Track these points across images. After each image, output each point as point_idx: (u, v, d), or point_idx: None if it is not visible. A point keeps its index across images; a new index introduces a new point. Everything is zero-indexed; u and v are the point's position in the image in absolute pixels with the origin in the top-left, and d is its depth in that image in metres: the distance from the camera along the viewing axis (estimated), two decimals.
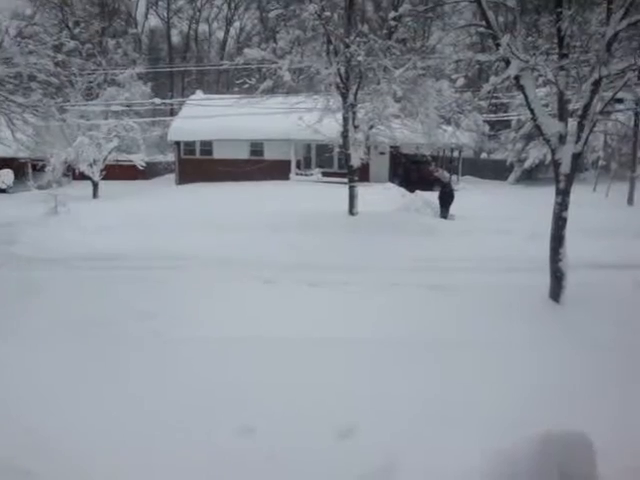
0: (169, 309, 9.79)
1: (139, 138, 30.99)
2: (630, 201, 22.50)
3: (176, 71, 52.51)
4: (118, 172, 33.61)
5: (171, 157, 37.81)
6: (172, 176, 35.20)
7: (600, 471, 4.27)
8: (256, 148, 32.01)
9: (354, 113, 18.27)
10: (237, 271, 12.74)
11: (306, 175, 30.68)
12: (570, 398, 6.33)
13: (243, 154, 32.10)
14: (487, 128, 33.55)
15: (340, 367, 7.23)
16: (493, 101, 29.05)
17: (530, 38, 11.38)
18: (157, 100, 34.34)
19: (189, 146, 33.02)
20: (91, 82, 29.74)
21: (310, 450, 5.09)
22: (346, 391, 6.42)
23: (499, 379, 6.86)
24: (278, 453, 5.04)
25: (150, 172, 37.57)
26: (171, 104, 44.31)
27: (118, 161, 30.87)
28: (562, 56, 10.30)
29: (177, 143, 33.13)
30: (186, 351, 7.72)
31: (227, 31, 61.38)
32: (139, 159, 30.99)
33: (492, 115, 33.38)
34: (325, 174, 30.19)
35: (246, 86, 18.48)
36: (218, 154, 32.40)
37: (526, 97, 10.62)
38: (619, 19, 9.52)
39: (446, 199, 21.21)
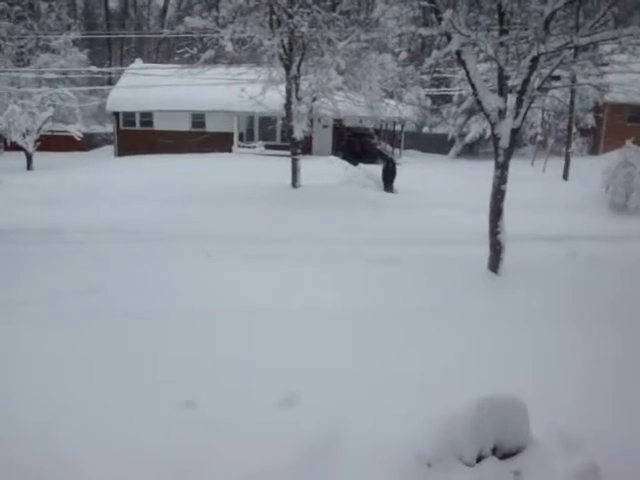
0: (112, 283, 9.63)
1: (76, 108, 29.99)
2: (565, 176, 23.20)
3: (114, 38, 50.81)
4: (53, 143, 32.46)
5: (110, 128, 36.77)
6: (111, 148, 34.28)
7: (533, 430, 4.47)
8: (198, 120, 31.46)
9: (297, 85, 18.15)
10: (178, 244, 12.59)
11: (249, 147, 30.41)
12: (506, 363, 6.57)
13: (184, 126, 31.51)
14: (429, 102, 33.94)
15: (281, 337, 7.31)
16: (435, 75, 29.34)
17: (472, 14, 11.50)
18: (94, 68, 33.29)
19: (129, 117, 32.15)
20: (22, 47, 28.47)
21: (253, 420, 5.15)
22: (290, 360, 6.49)
23: (438, 348, 7.06)
24: (221, 425, 5.07)
25: (88, 143, 36.46)
26: (109, 73, 43.01)
27: (53, 132, 29.73)
28: (502, 32, 10.46)
29: (116, 114, 32.19)
30: (130, 325, 7.63)
31: None
32: (76, 130, 29.95)
33: (434, 89, 33.72)
34: (268, 147, 30.00)
35: (187, 56, 18.12)
36: (159, 125, 31.71)
37: (467, 72, 10.77)
38: None
39: (389, 173, 21.40)
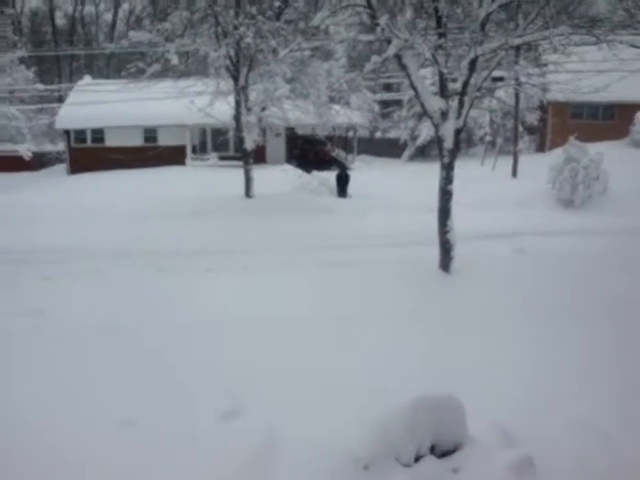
0: (57, 305, 9.45)
1: (23, 127, 29.44)
2: (514, 174, 23.61)
3: (63, 55, 49.98)
4: (1, 164, 31.74)
5: (62, 146, 36.14)
6: (63, 166, 33.66)
7: (470, 427, 4.54)
8: (150, 134, 31.11)
9: (246, 95, 18.15)
10: (130, 261, 12.43)
11: (202, 160, 30.22)
12: (450, 362, 6.65)
13: (137, 141, 31.14)
14: (377, 107, 34.17)
15: (233, 346, 7.29)
16: (386, 81, 29.63)
17: (410, 17, 11.62)
18: (40, 86, 32.70)
19: (80, 134, 31.62)
20: None
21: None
22: (229, 370, 6.47)
23: (386, 350, 7.09)
24: (161, 442, 5.01)
25: (39, 163, 35.66)
26: (59, 90, 42.26)
27: (0, 152, 29.15)
28: (440, 35, 10.65)
29: (66, 131, 31.62)
30: (73, 344, 7.51)
31: (115, 13, 58.96)
32: (25, 149, 29.39)
33: (384, 94, 34.04)
34: (222, 158, 29.82)
35: (133, 70, 17.95)
36: (110, 141, 31.26)
37: (409, 76, 10.93)
38: (491, 1, 9.96)
39: (342, 179, 21.50)
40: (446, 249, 11.34)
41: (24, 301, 9.60)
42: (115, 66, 53.45)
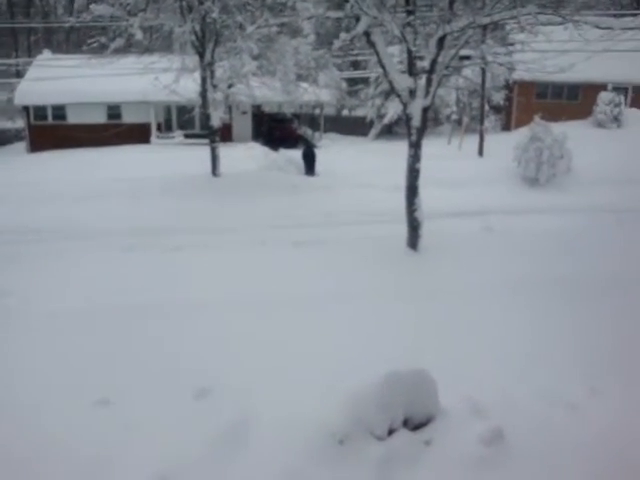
0: (25, 285, 9.30)
1: None
2: (480, 152, 23.81)
3: (20, 28, 48.55)
4: None
5: (21, 123, 35.21)
6: (23, 144, 32.86)
7: (441, 400, 4.63)
8: (113, 111, 30.42)
9: (212, 72, 17.88)
10: (95, 241, 12.24)
11: (168, 138, 29.78)
12: (420, 338, 6.75)
13: (100, 118, 30.45)
14: (344, 84, 34.05)
15: (202, 325, 7.26)
16: (353, 58, 29.52)
17: None
18: None
19: (40, 111, 30.76)
20: None
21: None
22: (203, 350, 6.46)
23: (355, 328, 7.14)
24: (136, 420, 5.00)
25: None
26: (17, 65, 41.13)
27: None
28: (409, 13, 10.63)
29: (26, 108, 30.75)
30: (39, 325, 7.41)
31: None
32: None
33: (351, 72, 33.93)
34: (187, 136, 29.41)
35: (95, 45, 17.51)
36: (73, 119, 30.50)
37: (377, 53, 10.92)
38: None
39: (309, 157, 21.44)
40: (414, 227, 11.44)
41: None
42: (75, 41, 52.12)
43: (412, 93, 10.96)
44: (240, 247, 11.55)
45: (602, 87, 27.38)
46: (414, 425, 4.54)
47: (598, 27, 11.39)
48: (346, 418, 4.33)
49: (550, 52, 17.72)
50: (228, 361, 6.11)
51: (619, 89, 27.82)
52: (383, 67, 10.96)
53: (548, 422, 4.86)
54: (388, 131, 34.99)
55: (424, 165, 11.45)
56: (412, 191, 11.41)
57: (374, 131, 34.65)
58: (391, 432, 4.41)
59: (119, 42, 16.84)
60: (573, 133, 19.34)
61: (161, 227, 13.38)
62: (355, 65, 35.14)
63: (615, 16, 27.53)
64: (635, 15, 26.12)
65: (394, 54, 14.80)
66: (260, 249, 11.44)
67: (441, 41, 10.46)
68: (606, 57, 21.70)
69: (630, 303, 8.19)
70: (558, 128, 19.13)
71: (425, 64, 11.14)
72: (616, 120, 26.39)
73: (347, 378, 4.88)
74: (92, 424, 4.93)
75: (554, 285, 8.93)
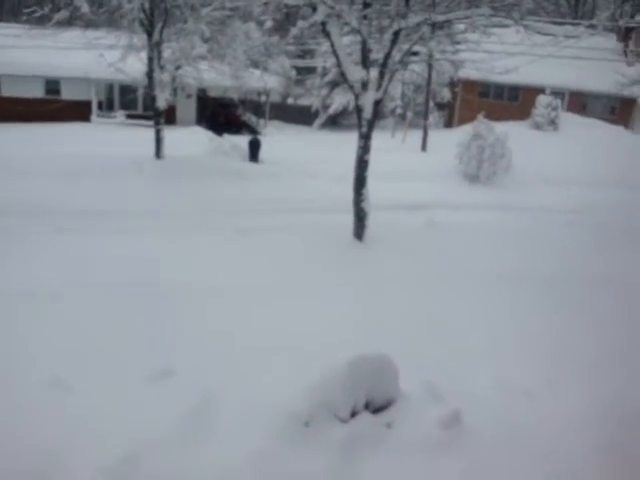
0: None
1: None
2: (423, 147, 24.27)
3: None
4: None
5: None
6: None
7: (401, 384, 4.77)
8: (52, 87, 29.42)
9: (160, 52, 17.51)
10: (29, 220, 11.69)
11: (109, 117, 29.06)
12: (374, 324, 6.89)
13: (37, 92, 29.40)
14: (294, 73, 34.04)
15: (155, 310, 7.17)
16: (300, 47, 29.48)
17: None
18: None
19: None
20: None
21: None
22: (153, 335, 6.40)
23: (304, 317, 7.18)
24: (94, 403, 4.93)
25: None
26: None
27: None
28: (366, 5, 10.74)
29: None
30: None
31: None
32: None
33: (299, 61, 33.87)
34: (129, 116, 28.82)
35: (37, 15, 16.91)
36: (7, 91, 29.32)
37: (332, 43, 10.96)
38: None
39: (255, 144, 21.35)
40: (360, 217, 11.58)
41: None
42: (10, 9, 50.13)
43: (364, 85, 11.06)
44: (183, 232, 11.35)
45: (541, 90, 28.37)
46: (375, 408, 4.67)
47: (541, 33, 11.82)
48: (311, 401, 4.42)
49: (496, 53, 18.26)
50: (187, 347, 6.06)
51: (557, 93, 28.88)
52: (337, 57, 11.01)
53: (504, 408, 5.09)
54: (332, 122, 35.17)
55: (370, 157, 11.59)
56: (360, 182, 11.55)
57: (319, 121, 34.75)
58: (354, 414, 4.52)
59: (63, 14, 16.27)
60: (512, 133, 19.94)
61: (100, 209, 13.02)
62: (302, 54, 35.08)
63: (557, 24, 28.56)
64: (575, 24, 27.05)
65: (346, 45, 14.91)
66: (205, 235, 11.28)
67: (395, 35, 10.61)
68: (546, 62, 22.44)
69: (565, 296, 8.61)
70: (499, 127, 19.70)
71: (378, 57, 11.26)
72: (553, 123, 27.41)
73: (307, 363, 4.96)
74: (48, 406, 4.83)
75: (493, 276, 9.27)
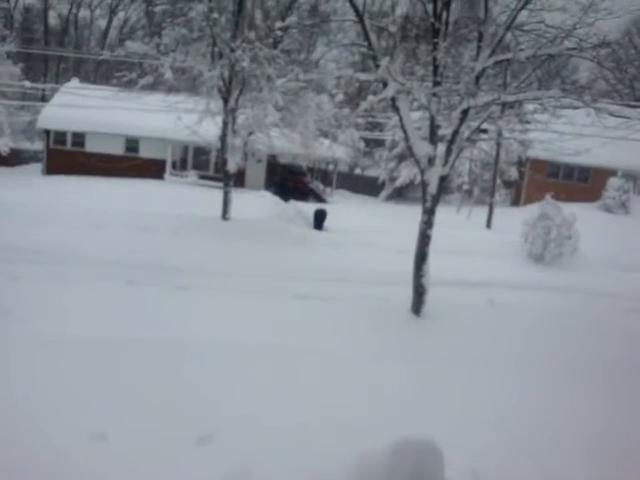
0: (25, 306, 9.29)
1: (4, 122, 29.09)
2: (488, 224, 24.08)
3: (51, 55, 49.68)
4: None
5: (39, 146, 35.74)
6: (39, 166, 33.25)
7: (447, 473, 4.57)
8: (131, 145, 30.96)
9: (234, 118, 18.26)
10: (100, 270, 12.25)
11: (181, 176, 30.17)
12: (425, 405, 6.70)
13: (117, 149, 30.98)
14: (362, 145, 34.65)
15: (204, 372, 7.20)
16: (370, 120, 30.12)
17: (408, 64, 11.96)
18: (27, 83, 32.45)
19: (60, 136, 31.29)
20: None
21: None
22: (206, 396, 6.39)
23: (358, 390, 7.07)
24: (132, 460, 4.93)
25: (15, 159, 35.24)
26: (43, 90, 42.01)
27: None
28: (436, 83, 10.93)
29: (47, 132, 31.34)
30: (40, 351, 7.36)
31: (110, 20, 58.96)
32: (3, 144, 29.04)
33: (368, 133, 34.54)
34: (201, 177, 29.86)
35: (125, 79, 17.95)
36: (91, 147, 31.03)
37: (401, 118, 11.14)
38: (487, 57, 10.31)
39: (321, 214, 21.57)
40: (419, 293, 11.45)
41: None
42: (103, 73, 53.35)
43: (431, 160, 11.14)
44: (243, 293, 11.52)
45: (612, 172, 27.86)
46: None
47: (614, 115, 11.69)
48: None
49: (566, 134, 18.13)
50: (230, 411, 6.02)
51: (629, 176, 28.30)
52: (405, 132, 11.17)
53: None
54: (398, 194, 35.41)
55: (434, 232, 11.55)
56: (421, 257, 11.47)
57: (385, 193, 35.05)
58: None
59: (148, 79, 17.26)
60: (581, 215, 19.54)
61: (167, 264, 13.42)
62: (371, 126, 35.81)
63: (631, 107, 28.25)
64: None
65: (415, 120, 15.14)
66: (264, 297, 11.40)
67: (465, 113, 10.71)
68: (618, 144, 22.15)
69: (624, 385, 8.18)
70: (567, 208, 19.36)
71: (446, 133, 11.37)
72: (624, 206, 26.75)
73: (349, 442, 4.83)
74: (90, 458, 4.86)
75: (554, 362, 8.92)
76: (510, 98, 10.52)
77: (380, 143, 36.00)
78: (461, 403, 6.94)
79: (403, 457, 4.34)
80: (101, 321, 8.92)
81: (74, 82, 34.82)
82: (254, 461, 4.87)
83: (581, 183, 30.37)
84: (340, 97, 10.90)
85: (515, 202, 32.17)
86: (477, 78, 10.66)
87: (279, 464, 4.82)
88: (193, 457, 5.05)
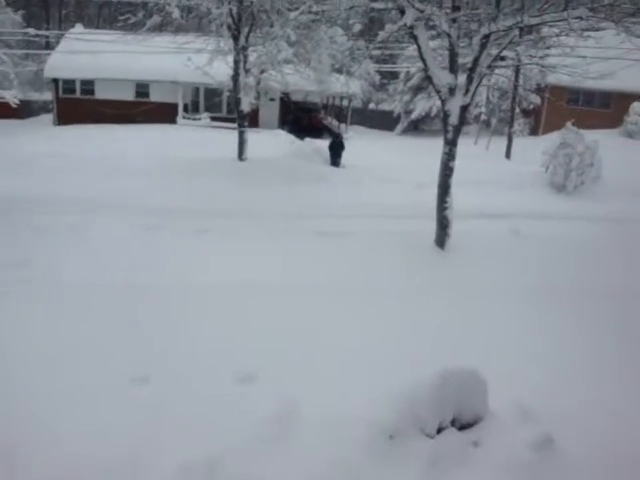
0: (49, 256, 9.32)
1: (11, 72, 28.63)
2: (508, 155, 23.66)
3: (52, 1, 48.68)
4: None
5: (48, 96, 35.30)
6: (49, 116, 32.91)
7: (490, 401, 4.58)
8: (142, 89, 30.46)
9: (246, 56, 17.78)
10: (120, 217, 12.19)
11: (194, 119, 29.78)
12: (458, 336, 6.68)
13: (128, 95, 30.51)
14: (378, 78, 33.90)
15: (244, 312, 7.22)
16: (384, 51, 29.35)
17: None
18: (31, 30, 31.77)
19: (68, 84, 30.85)
20: None
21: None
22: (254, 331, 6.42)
23: (396, 321, 7.07)
24: (177, 400, 4.98)
25: (25, 111, 34.91)
26: (47, 37, 41.23)
27: None
28: (455, 8, 10.52)
29: (55, 81, 30.83)
30: (68, 298, 7.40)
31: None
32: (11, 95, 28.67)
33: (382, 66, 33.72)
34: (213, 119, 29.45)
35: (131, 22, 17.50)
36: (100, 94, 30.58)
37: (419, 47, 10.80)
38: None
39: (336, 148, 21.32)
40: (443, 225, 11.35)
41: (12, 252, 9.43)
42: (106, 16, 52.25)
43: (452, 90, 10.84)
44: (267, 234, 11.49)
45: (635, 97, 27.06)
46: (462, 425, 4.50)
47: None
48: (398, 413, 4.29)
49: (587, 58, 17.52)
50: (271, 350, 6.04)
51: None
52: (424, 62, 10.84)
53: (595, 429, 4.80)
54: (414, 127, 34.83)
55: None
56: (444, 189, 11.32)
57: (400, 126, 34.49)
58: (440, 430, 4.37)
59: (156, 19, 16.81)
60: (603, 142, 19.08)
61: (187, 208, 13.35)
62: (385, 58, 34.95)
63: None
64: None
65: (433, 49, 14.68)
66: (287, 237, 11.38)
67: (486, 39, 10.33)
68: None
69: None
70: (588, 136, 18.91)
71: (466, 61, 11.02)
72: None
73: (392, 375, 4.84)
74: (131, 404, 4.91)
75: (584, 294, 8.84)
76: (533, 21, 10.08)
77: (395, 75, 35.18)
78: (493, 333, 6.91)
79: (448, 387, 4.34)
80: (124, 268, 8.92)
81: (78, 28, 34.11)
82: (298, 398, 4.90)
83: (602, 109, 29.58)
84: (358, 27, 10.50)
85: (534, 131, 31.53)
86: (498, 1, 10.25)
87: (330, 396, 4.84)
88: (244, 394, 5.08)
